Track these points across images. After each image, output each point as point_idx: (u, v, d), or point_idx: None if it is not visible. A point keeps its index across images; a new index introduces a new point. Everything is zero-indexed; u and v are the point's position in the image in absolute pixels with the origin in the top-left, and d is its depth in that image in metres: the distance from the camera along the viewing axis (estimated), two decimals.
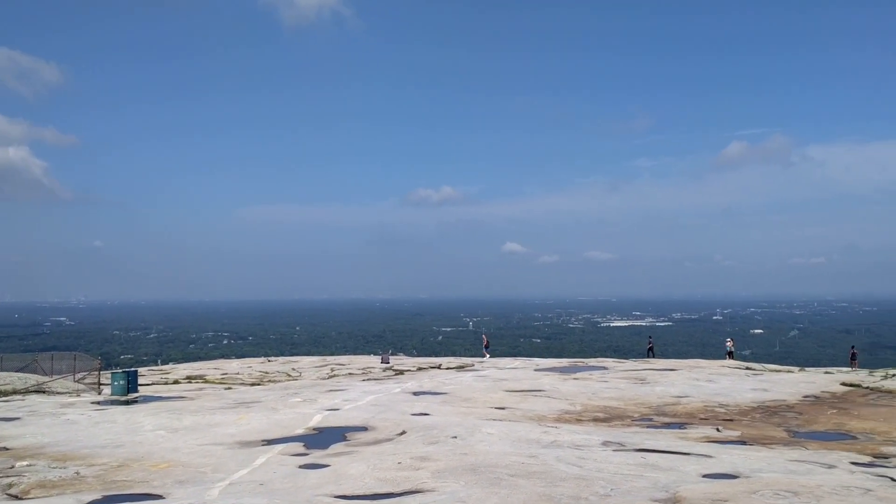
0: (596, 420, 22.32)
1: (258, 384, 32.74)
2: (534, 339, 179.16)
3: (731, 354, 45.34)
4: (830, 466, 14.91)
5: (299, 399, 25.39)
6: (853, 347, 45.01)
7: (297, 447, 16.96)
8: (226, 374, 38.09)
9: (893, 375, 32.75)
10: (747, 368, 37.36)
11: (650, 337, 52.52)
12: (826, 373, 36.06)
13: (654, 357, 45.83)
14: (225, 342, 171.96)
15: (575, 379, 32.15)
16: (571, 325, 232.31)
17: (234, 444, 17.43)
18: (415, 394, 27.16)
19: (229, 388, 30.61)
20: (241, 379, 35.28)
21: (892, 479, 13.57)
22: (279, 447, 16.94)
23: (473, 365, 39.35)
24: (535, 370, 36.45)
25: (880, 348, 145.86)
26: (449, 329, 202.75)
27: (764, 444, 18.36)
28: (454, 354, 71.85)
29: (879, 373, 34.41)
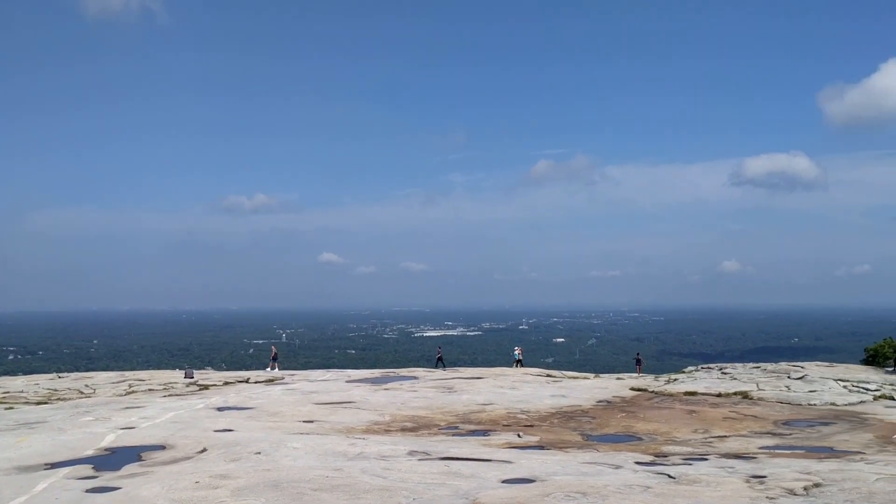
0: (404, 430, 22.55)
1: (45, 402, 30.19)
2: (349, 350, 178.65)
3: (519, 362, 47.04)
4: (617, 467, 15.97)
5: (91, 418, 23.67)
6: (638, 354, 48.67)
7: (86, 469, 15.76)
8: (7, 392, 34.78)
9: (675, 380, 35.75)
10: (548, 376, 39.30)
11: (439, 347, 53.37)
12: (618, 378, 38.67)
13: (443, 367, 46.56)
14: (10, 357, 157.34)
15: (385, 389, 32.34)
16: (386, 336, 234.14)
17: (12, 469, 15.91)
18: (219, 409, 26.15)
19: (10, 409, 27.99)
20: (25, 397, 32.36)
21: (669, 476, 14.76)
22: (64, 470, 15.66)
23: (283, 378, 38.55)
24: (347, 382, 36.29)
25: (666, 354, 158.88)
26: (261, 341, 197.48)
27: (560, 448, 19.35)
28: (266, 368, 70.03)
29: (664, 377, 37.41)
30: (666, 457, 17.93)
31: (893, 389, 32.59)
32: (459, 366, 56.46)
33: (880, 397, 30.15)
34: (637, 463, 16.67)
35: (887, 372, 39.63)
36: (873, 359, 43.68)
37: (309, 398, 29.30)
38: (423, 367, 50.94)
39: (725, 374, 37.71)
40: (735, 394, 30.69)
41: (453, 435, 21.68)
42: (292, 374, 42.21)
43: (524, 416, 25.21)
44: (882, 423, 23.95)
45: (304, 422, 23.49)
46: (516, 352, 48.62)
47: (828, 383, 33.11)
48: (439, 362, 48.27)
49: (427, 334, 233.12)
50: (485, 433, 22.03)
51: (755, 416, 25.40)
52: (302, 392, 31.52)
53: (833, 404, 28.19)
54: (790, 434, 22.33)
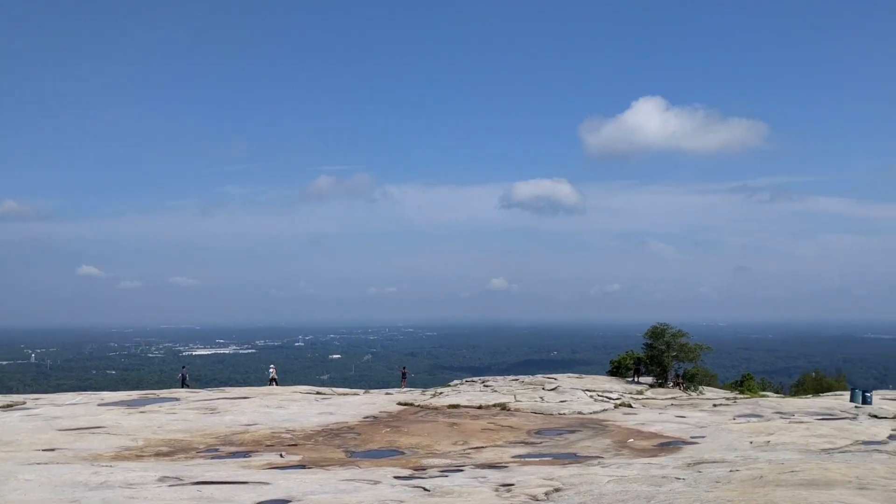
0: (158, 455, 21.28)
1: None
2: (108, 371, 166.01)
3: (274, 381, 46.19)
4: (375, 482, 16.12)
5: None
6: (404, 368, 49.67)
7: None
8: None
9: (440, 393, 36.87)
10: (318, 393, 38.95)
11: (184, 367, 50.99)
12: (387, 394, 39.19)
13: (187, 386, 44.52)
14: None
15: (142, 412, 30.37)
16: (151, 355, 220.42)
17: None
18: None
19: None
20: None
21: (425, 489, 15.15)
22: None
23: (25, 402, 34.96)
24: (99, 405, 33.63)
25: (438, 368, 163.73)
26: (5, 363, 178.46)
27: (322, 466, 19.21)
28: (9, 391, 63.19)
29: (430, 391, 38.46)
30: (424, 470, 18.39)
31: (632, 397, 35.89)
32: (230, 385, 54.37)
33: (620, 405, 33.08)
34: (396, 477, 16.94)
35: (628, 382, 43.56)
36: (617, 370, 47.85)
37: (51, 424, 26.78)
38: (188, 387, 48.51)
39: (487, 386, 39.50)
40: (495, 405, 32.22)
41: (212, 458, 20.80)
42: (37, 399, 38.41)
43: (289, 436, 24.76)
44: (620, 428, 26.27)
45: (43, 450, 21.41)
46: (271, 370, 47.79)
47: (577, 393, 35.73)
48: (183, 382, 45.71)
49: (197, 353, 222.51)
50: (246, 455, 21.36)
51: (511, 427, 26.81)
52: (44, 418, 28.75)
53: (580, 413, 30.49)
54: (541, 442, 23.82)
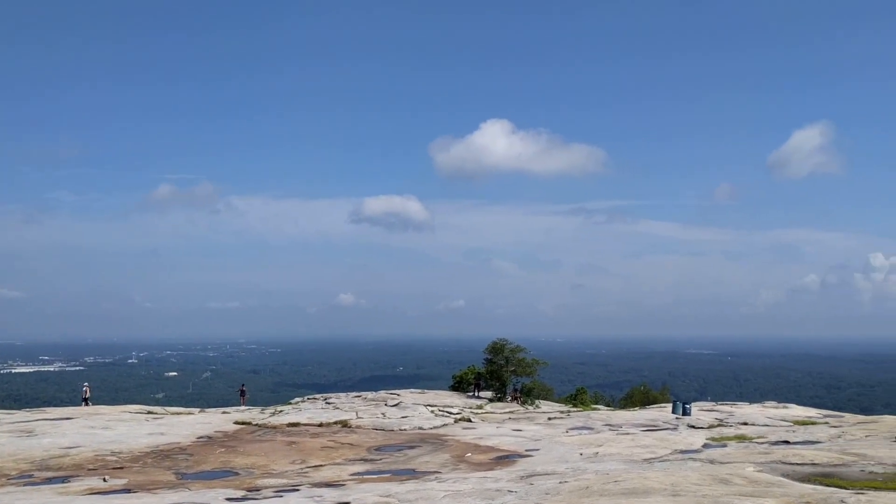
0: None
1: None
2: None
3: (86, 401, 43.57)
4: None
5: None
6: (242, 386, 48.31)
7: None
8: None
9: (281, 411, 36.04)
10: (149, 413, 37.08)
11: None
12: (224, 413, 37.88)
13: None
14: None
15: None
16: None
17: None
18: None
19: None
20: None
21: None
22: None
23: None
24: None
25: (282, 386, 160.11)
26: None
27: (149, 490, 18.26)
28: None
29: (270, 409, 37.52)
30: (259, 490, 17.89)
31: (471, 412, 36.60)
32: (54, 405, 50.64)
33: (460, 420, 33.63)
34: (228, 500, 16.38)
35: (468, 396, 44.40)
36: (459, 385, 48.67)
37: None
38: (8, 408, 44.81)
39: (329, 403, 39.04)
40: (336, 423, 31.88)
41: (24, 485, 19.26)
42: None
43: (114, 458, 23.35)
44: (458, 443, 26.68)
45: None
46: (84, 389, 45.01)
47: (419, 409, 35.99)
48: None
49: (17, 370, 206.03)
50: (64, 480, 19.94)
51: (351, 444, 26.61)
52: None
53: (421, 428, 30.72)
54: (381, 459, 23.78)
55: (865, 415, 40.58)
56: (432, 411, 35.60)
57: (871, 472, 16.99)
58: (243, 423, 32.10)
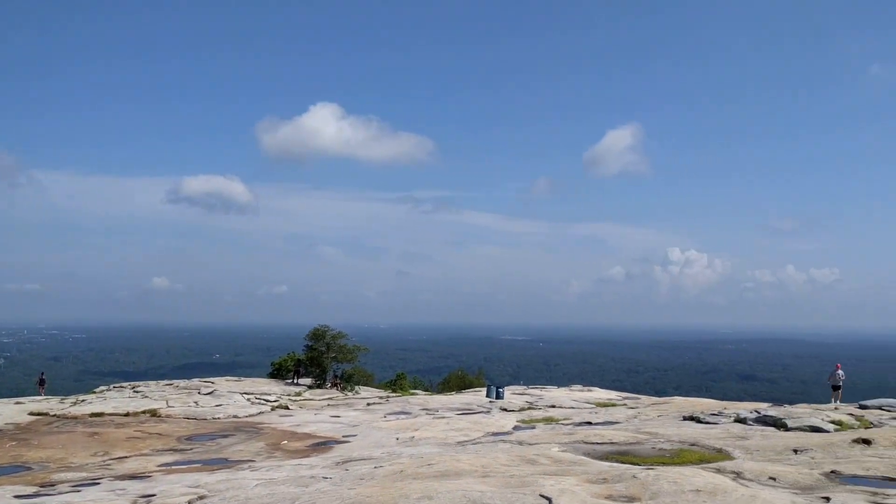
0: None
1: None
2: None
3: None
4: None
5: None
6: (42, 374, 44.75)
7: None
8: None
9: (83, 401, 33.79)
10: None
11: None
12: (17, 403, 34.96)
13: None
14: None
15: None
16: None
17: None
18: None
19: None
20: None
21: None
22: None
23: None
24: None
25: (87, 374, 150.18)
26: None
27: None
28: None
29: (70, 399, 35.07)
30: (54, 485, 16.68)
31: (290, 399, 36.10)
32: None
33: (278, 407, 33.08)
34: (17, 497, 15.14)
35: (287, 383, 43.77)
36: (278, 372, 47.85)
37: None
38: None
39: (138, 392, 37.13)
40: (144, 412, 30.36)
41: None
42: None
43: None
44: (275, 431, 26.22)
45: None
46: None
47: (234, 397, 35.03)
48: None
49: None
50: None
51: (160, 434, 25.43)
52: None
53: (236, 417, 29.91)
54: (191, 449, 22.90)
55: (659, 396, 44.04)
56: (248, 399, 34.77)
57: (660, 449, 18.45)
58: (39, 414, 29.80)
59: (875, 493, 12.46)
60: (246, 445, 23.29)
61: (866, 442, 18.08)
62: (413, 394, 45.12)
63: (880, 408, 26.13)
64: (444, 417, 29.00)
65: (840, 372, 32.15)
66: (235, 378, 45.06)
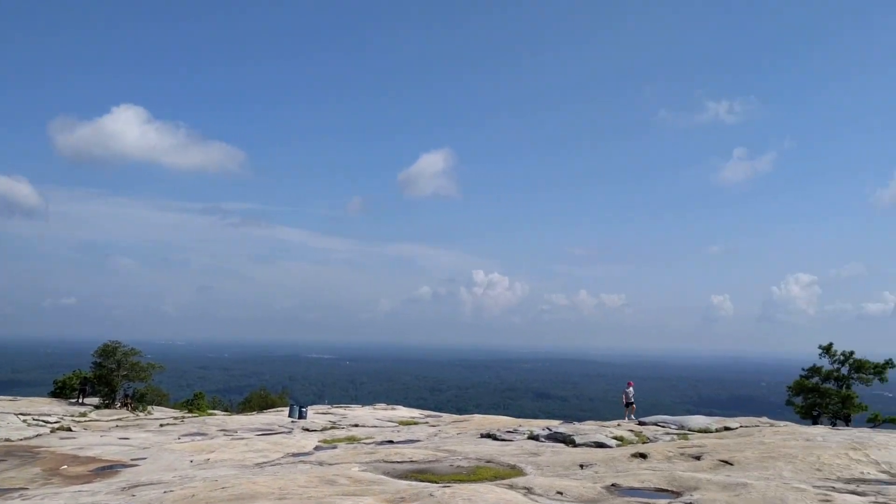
0: None
1: None
2: None
3: None
4: None
5: None
6: None
7: None
8: None
9: None
10: None
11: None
12: None
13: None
14: None
15: None
16: None
17: None
18: None
19: None
20: None
21: None
22: None
23: None
24: None
25: None
26: None
27: None
28: None
29: None
30: None
31: (73, 420, 33.47)
32: None
33: (59, 429, 30.55)
34: None
35: (71, 403, 40.58)
36: (61, 390, 44.22)
37: None
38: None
39: None
40: None
41: None
42: None
43: None
44: (54, 455, 24.14)
45: None
46: None
47: (8, 418, 31.96)
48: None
49: None
50: None
51: None
52: None
53: (8, 440, 27.27)
54: None
55: (460, 414, 45.24)
56: (24, 420, 31.84)
57: (458, 466, 18.94)
58: None
59: (647, 503, 13.51)
60: (18, 472, 21.24)
61: (643, 456, 19.59)
62: (211, 414, 43.33)
63: (656, 424, 28.41)
64: (242, 438, 28.07)
65: (630, 389, 34.65)
66: (10, 397, 41.13)
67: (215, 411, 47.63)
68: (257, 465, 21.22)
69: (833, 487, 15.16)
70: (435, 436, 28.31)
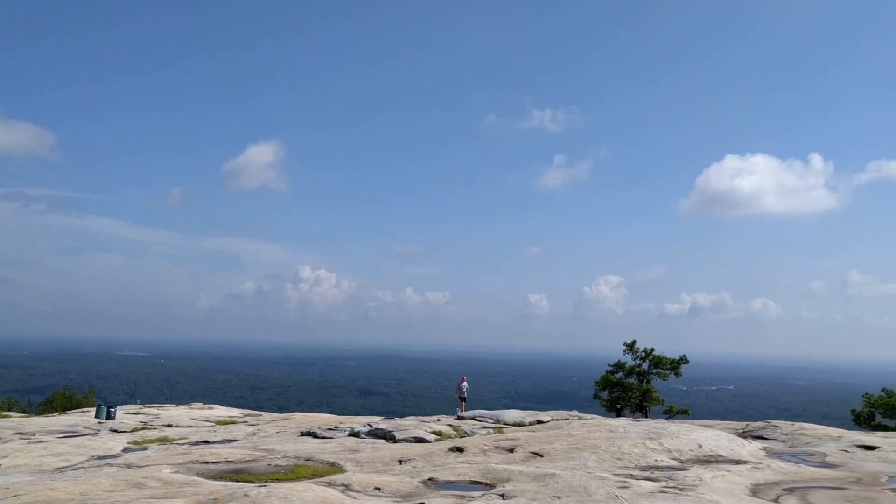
0: None
1: None
2: None
3: None
4: None
5: None
6: None
7: None
8: None
9: None
10: None
11: None
12: None
13: None
14: None
15: None
16: None
17: None
18: None
19: None
20: None
21: None
22: None
23: None
24: None
25: None
26: None
27: None
28: None
29: None
30: None
31: None
32: None
33: None
34: None
35: None
36: None
37: None
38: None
39: None
40: None
41: None
42: None
43: None
44: None
45: None
46: None
47: None
48: None
49: None
50: None
51: None
52: None
53: None
54: None
55: (281, 412, 44.45)
56: None
57: (276, 466, 18.63)
58: None
59: (462, 497, 13.94)
60: None
61: (460, 450, 20.17)
62: (6, 416, 39.90)
63: (474, 418, 29.35)
64: (41, 442, 26.04)
65: (465, 384, 35.57)
66: None
67: (10, 413, 43.89)
68: (57, 469, 19.80)
69: (631, 475, 16.33)
70: (253, 435, 27.66)
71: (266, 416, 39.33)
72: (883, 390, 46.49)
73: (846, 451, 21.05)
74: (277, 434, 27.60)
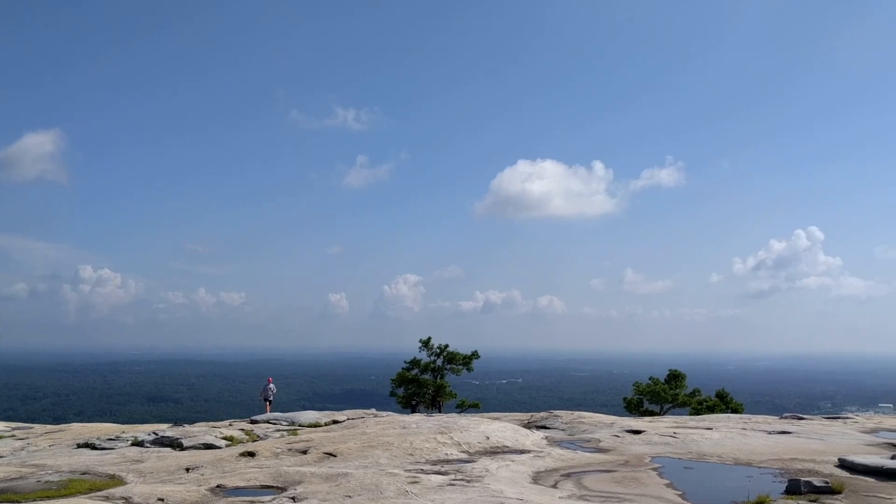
0: None
1: None
2: None
3: None
4: None
5: None
6: None
7: None
8: None
9: None
10: None
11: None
12: None
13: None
14: None
15: None
16: None
17: None
18: None
19: None
20: None
21: None
22: None
23: None
24: None
25: None
26: None
27: None
28: None
29: None
30: None
31: None
32: None
33: None
34: None
35: None
36: None
37: None
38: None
39: None
40: None
41: None
42: None
43: None
44: None
45: None
46: None
47: None
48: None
49: None
50: None
51: None
52: None
53: None
54: None
55: (58, 424, 41.06)
56: None
57: (47, 482, 17.22)
58: None
59: (251, 502, 13.68)
60: None
61: (251, 454, 19.73)
62: None
63: (268, 421, 28.82)
64: None
65: (272, 386, 34.60)
66: None
67: None
68: None
69: (422, 470, 16.79)
70: (22, 450, 25.36)
71: (38, 428, 36.19)
72: (650, 378, 51.18)
73: (617, 436, 22.94)
74: (50, 447, 25.52)
